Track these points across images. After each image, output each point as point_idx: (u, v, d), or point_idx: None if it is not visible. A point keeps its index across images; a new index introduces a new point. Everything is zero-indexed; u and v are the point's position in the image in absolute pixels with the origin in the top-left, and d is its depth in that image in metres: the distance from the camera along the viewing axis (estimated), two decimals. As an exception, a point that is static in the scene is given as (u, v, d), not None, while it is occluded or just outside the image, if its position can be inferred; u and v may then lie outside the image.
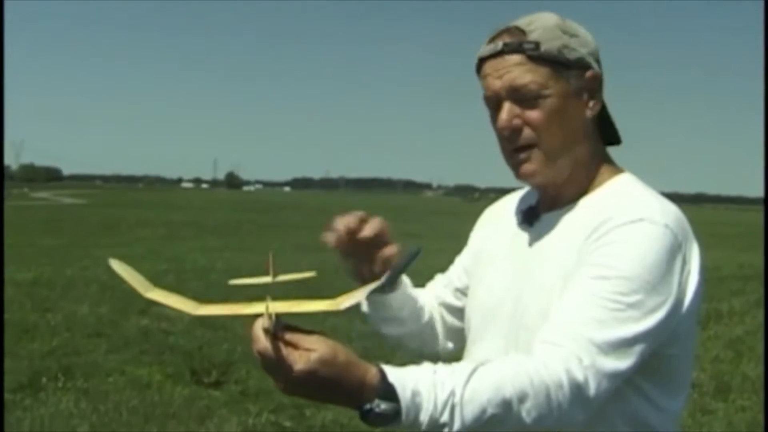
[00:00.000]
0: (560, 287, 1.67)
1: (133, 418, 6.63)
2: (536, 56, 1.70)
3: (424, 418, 1.43)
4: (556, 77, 1.71)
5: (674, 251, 1.63)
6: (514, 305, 1.78)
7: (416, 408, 1.42)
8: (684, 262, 1.64)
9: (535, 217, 1.85)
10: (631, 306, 1.57)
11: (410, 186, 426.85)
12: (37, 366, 8.08)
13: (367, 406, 1.44)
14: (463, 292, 2.06)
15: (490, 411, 1.44)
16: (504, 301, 1.82)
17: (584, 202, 1.78)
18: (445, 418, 1.43)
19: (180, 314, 11.47)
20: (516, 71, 1.70)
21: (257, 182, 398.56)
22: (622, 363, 1.55)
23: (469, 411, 1.44)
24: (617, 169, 1.83)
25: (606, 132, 1.84)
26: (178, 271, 16.53)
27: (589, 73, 1.75)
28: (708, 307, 11.90)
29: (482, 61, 1.76)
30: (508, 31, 1.74)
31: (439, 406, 1.43)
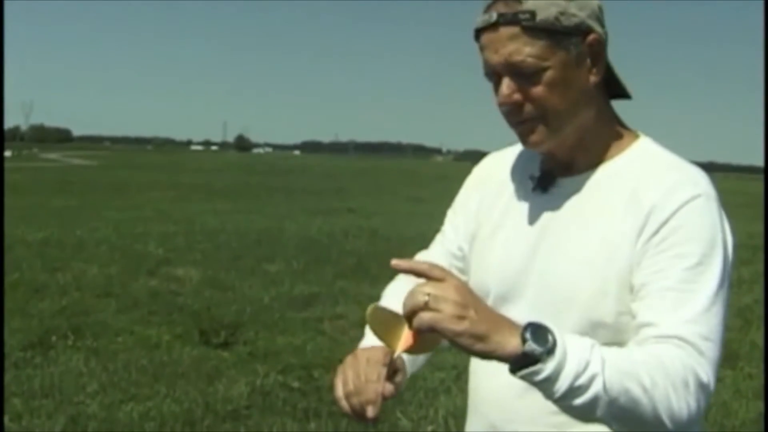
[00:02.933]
0: (605, 258, 1.64)
1: (142, 377, 6.67)
2: (532, 27, 1.61)
3: (568, 372, 1.39)
4: (555, 47, 1.63)
5: (722, 218, 1.65)
6: (543, 276, 1.73)
7: (563, 358, 1.39)
8: (728, 226, 1.67)
9: (549, 183, 1.78)
10: (719, 288, 1.58)
11: (420, 150, 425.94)
12: (48, 325, 8.13)
13: (527, 334, 1.40)
14: (463, 260, 1.96)
15: (630, 386, 1.43)
16: (528, 270, 1.75)
17: (609, 169, 1.74)
18: (584, 380, 1.40)
19: (189, 276, 11.57)
20: (512, 45, 1.62)
21: (267, 145, 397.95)
22: (720, 347, 1.56)
23: (613, 380, 1.42)
24: (633, 133, 1.79)
25: (613, 88, 1.78)
26: (187, 232, 16.57)
27: (590, 38, 1.66)
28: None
29: (478, 31, 1.68)
30: None
31: (583, 366, 1.40)
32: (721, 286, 1.59)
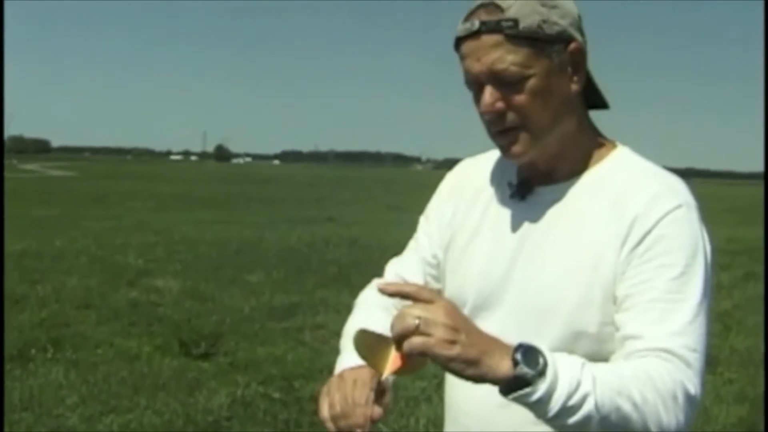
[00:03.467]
0: (589, 267, 1.64)
1: (122, 389, 6.63)
2: (515, 35, 1.60)
3: (560, 393, 1.39)
4: (538, 55, 1.62)
5: (702, 226, 1.66)
6: (524, 285, 1.71)
7: (554, 380, 1.39)
8: (705, 233, 1.67)
9: (528, 191, 1.77)
10: (703, 297, 1.59)
11: (399, 159, 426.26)
12: (27, 337, 8.08)
13: (518, 356, 1.39)
14: (437, 268, 1.93)
15: (621, 403, 1.43)
16: (507, 279, 1.73)
17: (589, 177, 1.73)
18: (576, 399, 1.40)
19: (169, 286, 11.52)
20: (495, 53, 1.61)
21: (246, 155, 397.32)
22: (705, 355, 1.57)
23: (604, 398, 1.42)
24: (611, 141, 1.79)
25: (591, 98, 1.77)
26: (167, 242, 16.54)
27: (572, 46, 1.65)
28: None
29: (459, 40, 1.66)
30: (484, 7, 1.63)
31: (574, 386, 1.40)
32: (704, 295, 1.60)
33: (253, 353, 7.90)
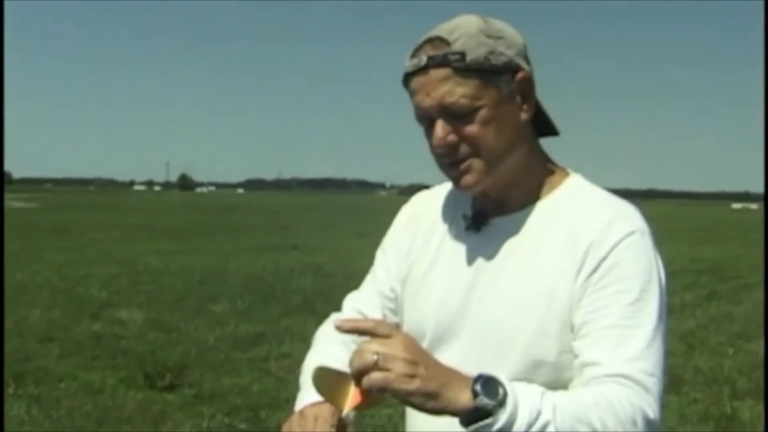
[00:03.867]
0: (545, 297, 1.64)
1: (86, 423, 6.56)
2: (463, 68, 1.62)
3: (521, 423, 1.39)
4: (486, 86, 1.64)
5: (656, 251, 1.67)
6: (481, 316, 1.71)
7: (515, 410, 1.39)
8: (659, 258, 1.68)
9: (482, 222, 1.78)
10: (659, 321, 1.59)
11: (363, 186, 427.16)
12: (-13, 373, 7.95)
13: (477, 387, 1.39)
14: (395, 302, 1.93)
15: (581, 430, 1.43)
16: (465, 311, 1.74)
17: (542, 206, 1.74)
18: (537, 428, 1.40)
19: (133, 318, 11.42)
20: (444, 87, 1.62)
21: (210, 184, 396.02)
22: (663, 379, 1.58)
23: (565, 426, 1.42)
24: (563, 170, 1.81)
25: (541, 126, 1.79)
26: (131, 274, 16.40)
27: (519, 75, 1.68)
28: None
29: (408, 76, 1.68)
30: (430, 42, 1.66)
31: (534, 415, 1.40)
32: (660, 319, 1.60)
33: (218, 384, 7.84)
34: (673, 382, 8.04)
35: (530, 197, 1.75)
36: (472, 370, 1.45)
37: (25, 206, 64.02)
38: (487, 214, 1.78)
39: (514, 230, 1.74)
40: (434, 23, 1.70)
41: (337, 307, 2.04)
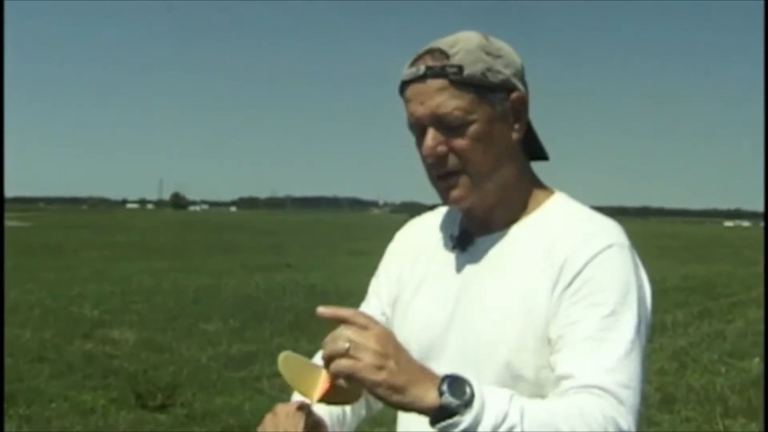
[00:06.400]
0: (522, 313, 1.65)
1: (77, 444, 6.52)
2: (459, 81, 1.65)
3: (486, 425, 1.39)
4: (481, 101, 1.66)
5: (637, 266, 1.67)
6: (463, 333, 1.73)
7: (480, 411, 1.39)
8: (643, 275, 1.69)
9: (468, 242, 1.80)
10: (636, 335, 1.58)
11: (357, 204, 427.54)
12: (-22, 393, 7.92)
13: (444, 386, 1.40)
14: (386, 324, 1.91)
15: None
16: (449, 328, 1.76)
17: (524, 224, 1.76)
18: (502, 431, 1.40)
19: (125, 338, 11.37)
20: (439, 97, 1.65)
21: (203, 202, 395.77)
22: (640, 392, 1.56)
23: (531, 429, 1.41)
24: (548, 189, 1.82)
25: (531, 148, 1.82)
26: (123, 293, 16.36)
27: (514, 95, 1.70)
28: (653, 319, 12.05)
29: (405, 84, 1.71)
30: (430, 53, 1.69)
31: (501, 417, 1.40)
32: (637, 332, 1.59)
33: (210, 403, 7.82)
34: (665, 400, 8.05)
35: (513, 216, 1.77)
36: None
37: (18, 225, 63.91)
38: (472, 234, 1.80)
39: (496, 248, 1.76)
40: (426, 42, 1.73)
41: (330, 327, 2.04)
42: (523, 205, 1.78)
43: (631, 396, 1.53)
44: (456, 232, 1.84)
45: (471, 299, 1.74)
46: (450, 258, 1.83)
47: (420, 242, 1.93)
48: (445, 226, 1.90)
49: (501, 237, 1.76)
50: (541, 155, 1.84)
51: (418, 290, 1.85)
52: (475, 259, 1.77)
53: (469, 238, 1.80)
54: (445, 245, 1.85)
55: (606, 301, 1.59)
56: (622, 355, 1.55)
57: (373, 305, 1.98)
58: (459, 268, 1.80)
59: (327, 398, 1.50)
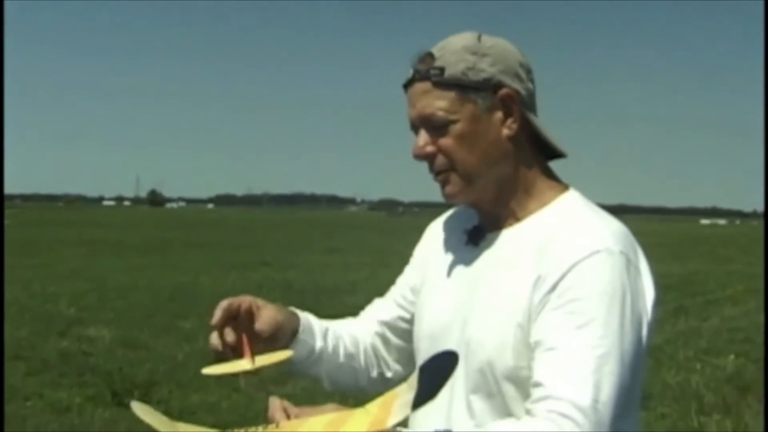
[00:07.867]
0: (506, 312, 1.66)
1: (53, 442, 6.49)
2: (441, 82, 1.71)
3: None
4: (462, 101, 1.70)
5: (632, 274, 1.63)
6: (461, 330, 1.74)
7: None
8: (640, 280, 1.66)
9: (480, 237, 1.82)
10: (617, 345, 1.55)
11: (334, 201, 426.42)
12: (-47, 391, 7.87)
13: None
14: (409, 311, 2.00)
15: None
16: (451, 326, 1.78)
17: (526, 224, 1.77)
18: None
19: (102, 335, 11.28)
20: (424, 99, 1.72)
21: (180, 199, 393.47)
22: (615, 405, 1.52)
23: None
24: (561, 186, 1.82)
25: (544, 147, 1.81)
26: (99, 290, 16.31)
27: (501, 92, 1.71)
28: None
29: (403, 87, 1.79)
30: (422, 57, 1.75)
31: None
32: (619, 342, 1.55)
33: (187, 401, 7.80)
34: (641, 397, 8.09)
35: (519, 214, 1.78)
36: (457, 381, 1.60)
37: (-7, 222, 63.41)
38: (484, 229, 1.83)
39: (499, 245, 1.78)
40: (409, 46, 1.78)
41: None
42: (528, 202, 1.78)
43: (598, 410, 1.49)
44: (471, 227, 1.88)
45: (472, 295, 1.77)
46: (462, 252, 1.86)
47: (444, 235, 1.98)
48: (466, 220, 1.91)
49: (505, 234, 1.78)
50: (553, 152, 1.83)
51: (434, 282, 1.91)
52: (481, 255, 1.80)
53: (480, 233, 1.83)
54: (462, 240, 1.88)
55: (584, 310, 1.56)
56: (594, 368, 1.51)
57: (398, 287, 2.09)
58: (468, 263, 1.83)
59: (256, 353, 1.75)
